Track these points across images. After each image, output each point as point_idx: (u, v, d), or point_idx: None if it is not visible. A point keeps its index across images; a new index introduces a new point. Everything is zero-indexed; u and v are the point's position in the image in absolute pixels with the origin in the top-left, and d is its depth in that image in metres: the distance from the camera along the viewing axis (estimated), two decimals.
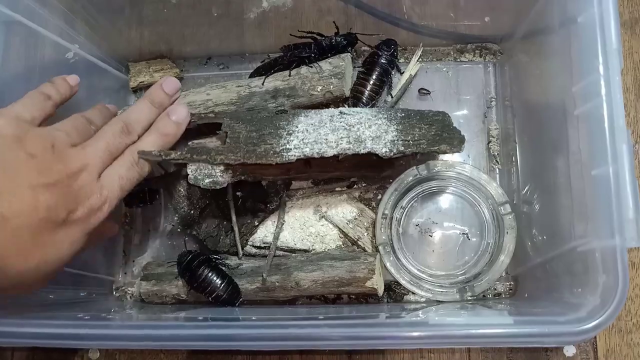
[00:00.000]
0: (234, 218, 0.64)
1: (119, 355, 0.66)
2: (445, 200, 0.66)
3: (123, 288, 0.69)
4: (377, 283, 0.59)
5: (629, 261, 0.63)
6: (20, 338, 0.46)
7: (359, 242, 0.65)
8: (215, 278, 0.60)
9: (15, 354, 0.66)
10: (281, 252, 0.65)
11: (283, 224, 0.65)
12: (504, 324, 0.40)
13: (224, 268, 0.61)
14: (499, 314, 0.51)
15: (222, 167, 0.58)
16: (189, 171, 0.58)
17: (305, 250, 0.65)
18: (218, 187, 0.59)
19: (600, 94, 0.43)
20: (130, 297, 0.68)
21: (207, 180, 0.59)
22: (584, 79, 0.44)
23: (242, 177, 0.60)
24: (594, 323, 0.39)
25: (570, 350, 0.63)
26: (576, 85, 0.45)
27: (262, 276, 0.61)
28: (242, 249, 0.65)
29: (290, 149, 0.55)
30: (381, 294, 0.62)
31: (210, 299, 0.60)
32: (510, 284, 0.64)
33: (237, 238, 0.64)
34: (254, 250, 0.65)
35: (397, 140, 0.56)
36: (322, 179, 0.64)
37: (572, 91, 0.46)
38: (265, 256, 0.64)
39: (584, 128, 0.45)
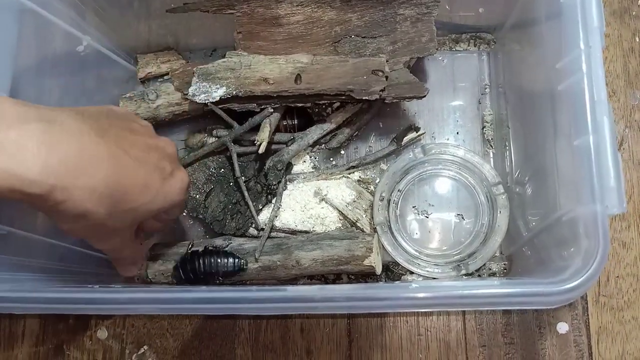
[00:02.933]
0: (246, 194, 0.66)
1: (126, 335, 0.69)
2: (440, 183, 0.68)
3: None
4: (374, 261, 0.62)
5: (620, 241, 0.65)
6: (32, 303, 0.48)
7: (357, 223, 0.67)
8: (214, 259, 0.62)
9: (25, 332, 0.68)
10: (283, 234, 0.67)
11: (279, 209, 0.67)
12: (489, 285, 0.42)
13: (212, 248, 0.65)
14: (487, 280, 0.53)
15: (217, 85, 0.63)
16: (189, 90, 0.64)
17: (306, 232, 0.67)
18: (211, 100, 0.63)
19: (581, 68, 0.45)
20: (137, 279, 0.71)
21: (202, 96, 0.63)
22: (567, 55, 0.46)
23: (234, 92, 0.63)
24: (574, 283, 0.41)
25: (563, 328, 0.65)
26: (560, 62, 0.48)
27: (255, 256, 0.63)
28: (246, 231, 0.68)
29: None
30: (379, 273, 0.64)
31: (220, 279, 0.63)
32: (504, 264, 0.66)
33: (252, 208, 0.66)
34: (255, 232, 0.68)
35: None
36: (311, 95, 0.64)
37: (556, 68, 0.48)
38: (269, 237, 0.67)
39: (567, 102, 0.47)
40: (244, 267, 0.63)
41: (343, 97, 0.63)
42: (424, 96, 0.62)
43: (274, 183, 0.66)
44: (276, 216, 0.67)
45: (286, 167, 0.68)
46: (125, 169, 0.45)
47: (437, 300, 0.43)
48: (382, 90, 0.62)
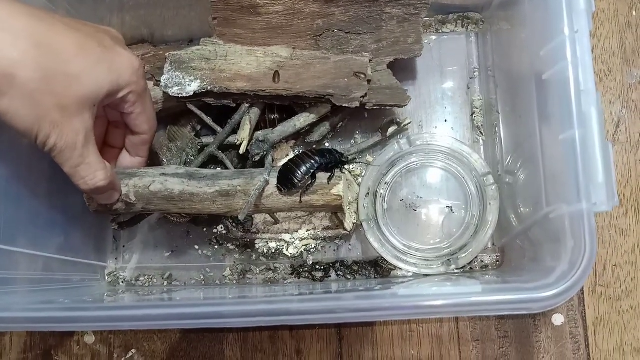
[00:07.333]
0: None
1: (113, 339, 0.68)
2: (429, 175, 0.65)
3: (115, 273, 0.70)
4: (342, 191, 0.58)
5: (617, 227, 0.63)
6: (15, 323, 0.47)
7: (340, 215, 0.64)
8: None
9: (13, 339, 0.68)
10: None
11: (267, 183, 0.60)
12: (470, 293, 0.40)
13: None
14: (470, 283, 0.51)
15: (191, 77, 0.60)
16: (162, 78, 0.60)
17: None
18: (184, 94, 0.60)
19: (566, 57, 0.42)
20: (122, 281, 0.69)
21: (175, 88, 0.60)
22: (551, 42, 0.43)
23: (209, 88, 0.60)
24: (558, 289, 0.39)
25: (558, 320, 0.63)
26: (543, 49, 0.45)
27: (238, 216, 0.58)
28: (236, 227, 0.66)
29: None
30: (346, 208, 0.60)
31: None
32: (497, 256, 0.64)
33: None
34: (239, 234, 0.66)
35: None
36: (289, 96, 0.60)
37: (540, 56, 0.45)
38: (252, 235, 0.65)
39: (552, 93, 0.44)
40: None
41: (322, 101, 0.60)
42: (406, 105, 0.60)
43: (256, 152, 0.62)
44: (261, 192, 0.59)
45: (271, 146, 0.63)
46: (53, 26, 0.44)
47: (421, 310, 0.41)
48: (363, 97, 0.59)
